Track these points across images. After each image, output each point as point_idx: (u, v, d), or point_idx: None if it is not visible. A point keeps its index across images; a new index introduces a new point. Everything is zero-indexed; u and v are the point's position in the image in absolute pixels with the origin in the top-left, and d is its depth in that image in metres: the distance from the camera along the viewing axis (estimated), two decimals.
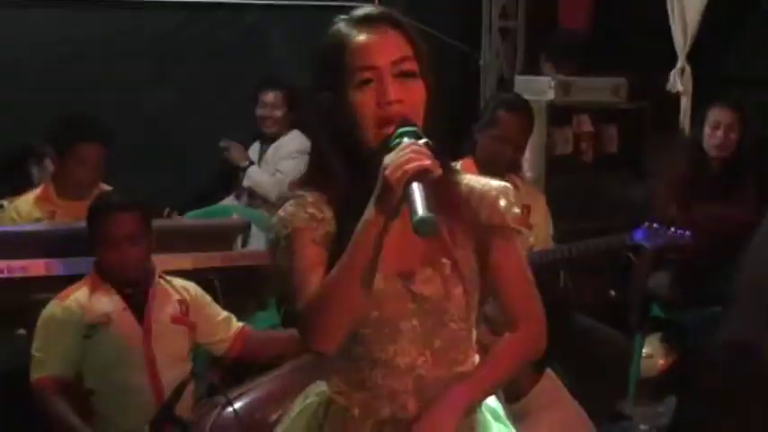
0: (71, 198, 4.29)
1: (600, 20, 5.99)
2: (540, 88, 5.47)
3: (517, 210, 2.01)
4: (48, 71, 5.36)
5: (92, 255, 3.52)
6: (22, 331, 3.92)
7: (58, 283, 3.58)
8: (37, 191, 4.38)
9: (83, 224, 3.61)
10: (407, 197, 1.74)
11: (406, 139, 1.80)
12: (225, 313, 3.67)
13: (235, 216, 5.11)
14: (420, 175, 1.74)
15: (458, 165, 4.23)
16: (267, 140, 5.61)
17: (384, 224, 1.78)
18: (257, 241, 5.04)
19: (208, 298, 3.66)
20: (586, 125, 5.56)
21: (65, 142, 4.27)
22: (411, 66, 1.90)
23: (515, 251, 2.00)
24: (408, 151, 1.75)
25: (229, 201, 5.63)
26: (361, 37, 1.90)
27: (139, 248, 3.45)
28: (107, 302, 3.46)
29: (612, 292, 4.78)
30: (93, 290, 3.46)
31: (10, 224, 4.23)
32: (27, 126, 5.03)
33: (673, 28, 5.31)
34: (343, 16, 1.95)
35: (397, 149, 1.78)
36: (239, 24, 5.94)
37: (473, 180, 2.03)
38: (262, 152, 5.62)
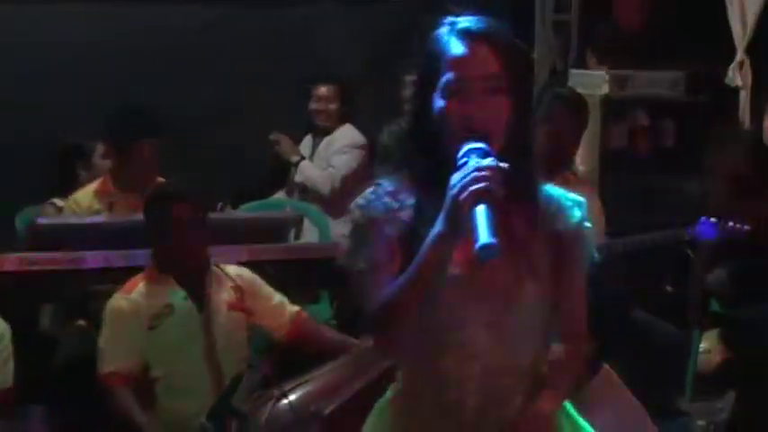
0: (128, 191, 4.33)
1: (656, 12, 5.92)
2: (594, 82, 5.42)
3: (589, 224, 2.07)
4: (97, 68, 5.40)
5: (150, 245, 3.56)
6: (81, 322, 3.98)
7: (117, 275, 3.63)
8: (96, 183, 4.42)
9: (141, 217, 3.66)
10: (472, 220, 1.80)
11: (473, 158, 1.85)
12: (279, 296, 3.71)
13: (288, 209, 5.13)
14: (484, 196, 1.80)
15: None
16: (319, 134, 5.62)
17: (451, 239, 1.85)
18: (310, 235, 5.06)
19: (260, 281, 3.69)
20: (642, 119, 5.51)
21: (123, 138, 4.32)
22: (501, 82, 1.96)
23: (581, 267, 2.07)
24: (474, 172, 1.82)
25: (280, 195, 5.65)
26: (458, 49, 1.96)
27: (196, 236, 3.48)
28: (167, 293, 3.50)
29: (670, 288, 4.73)
30: (152, 281, 3.51)
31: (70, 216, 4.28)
32: (75, 125, 5.06)
33: (731, 21, 5.24)
34: (449, 20, 2.01)
35: (463, 169, 1.84)
36: (291, 17, 5.96)
37: (551, 189, 2.08)
38: (314, 146, 5.63)
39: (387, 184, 2.01)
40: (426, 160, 1.99)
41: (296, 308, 3.71)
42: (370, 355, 3.30)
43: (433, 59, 1.98)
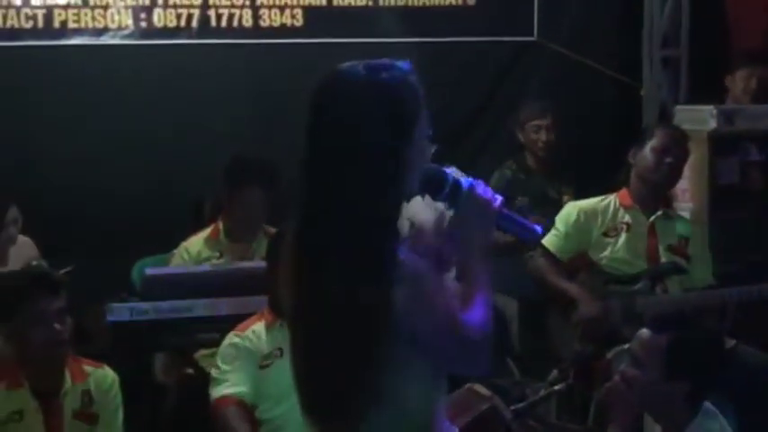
0: (236, 239, 4.40)
1: None
2: (701, 117, 5.32)
3: None
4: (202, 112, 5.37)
5: (268, 291, 3.57)
6: (190, 371, 4.05)
7: (222, 323, 3.69)
8: (208, 230, 4.48)
9: (245, 265, 3.71)
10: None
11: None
12: None
13: None
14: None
15: (613, 196, 4.23)
16: None
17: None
18: None
19: None
20: (753, 154, 5.38)
21: (231, 184, 4.40)
22: None
23: None
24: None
25: None
26: None
27: None
28: (281, 337, 3.50)
29: None
30: (267, 324, 3.55)
31: (179, 264, 4.38)
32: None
33: None
34: None
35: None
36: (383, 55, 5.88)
37: None
38: None
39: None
40: None
41: None
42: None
43: None
